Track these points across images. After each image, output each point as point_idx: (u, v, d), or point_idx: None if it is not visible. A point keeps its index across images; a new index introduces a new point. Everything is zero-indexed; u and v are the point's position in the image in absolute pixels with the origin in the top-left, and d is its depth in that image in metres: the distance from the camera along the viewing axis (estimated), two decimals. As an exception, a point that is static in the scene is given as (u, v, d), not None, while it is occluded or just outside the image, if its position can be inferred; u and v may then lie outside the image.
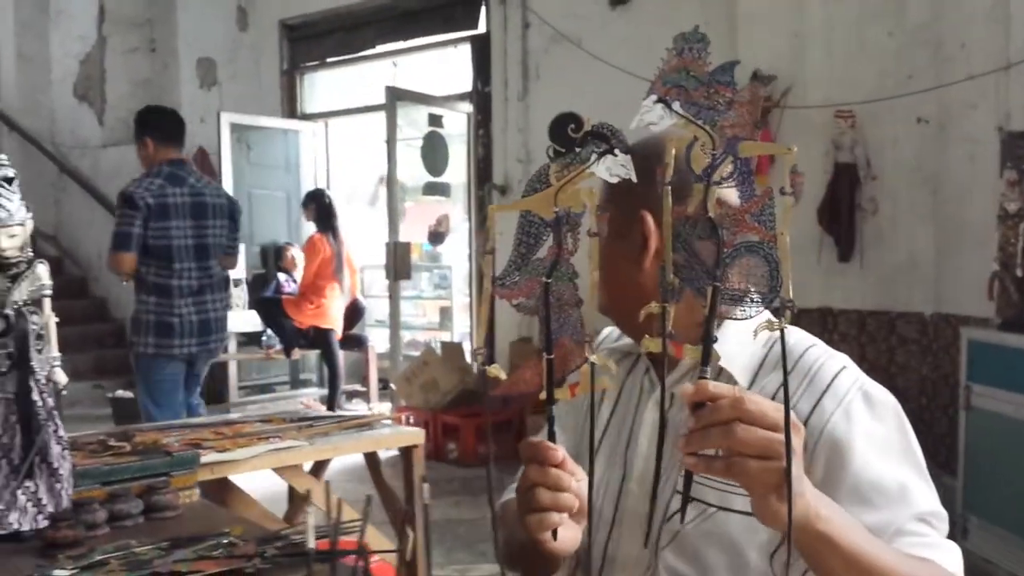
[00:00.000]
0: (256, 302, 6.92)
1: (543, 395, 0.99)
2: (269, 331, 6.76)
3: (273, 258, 7.37)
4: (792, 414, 0.84)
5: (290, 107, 7.80)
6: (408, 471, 2.29)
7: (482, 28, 6.37)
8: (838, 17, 4.33)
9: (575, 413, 1.38)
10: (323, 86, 7.94)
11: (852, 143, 4.23)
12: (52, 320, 1.47)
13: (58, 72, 8.80)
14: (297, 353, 6.77)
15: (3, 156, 1.47)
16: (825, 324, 4.35)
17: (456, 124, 6.64)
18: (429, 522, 0.91)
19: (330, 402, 6.50)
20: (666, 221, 0.93)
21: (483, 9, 6.34)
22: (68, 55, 8.78)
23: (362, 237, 8.27)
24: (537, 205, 0.99)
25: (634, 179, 0.95)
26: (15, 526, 1.43)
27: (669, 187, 0.93)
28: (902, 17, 4.25)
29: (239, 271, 7.26)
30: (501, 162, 6.26)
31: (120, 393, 6.20)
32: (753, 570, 1.07)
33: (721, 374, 1.13)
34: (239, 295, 7.20)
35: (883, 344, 4.34)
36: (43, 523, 1.45)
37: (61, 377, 1.49)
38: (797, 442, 0.84)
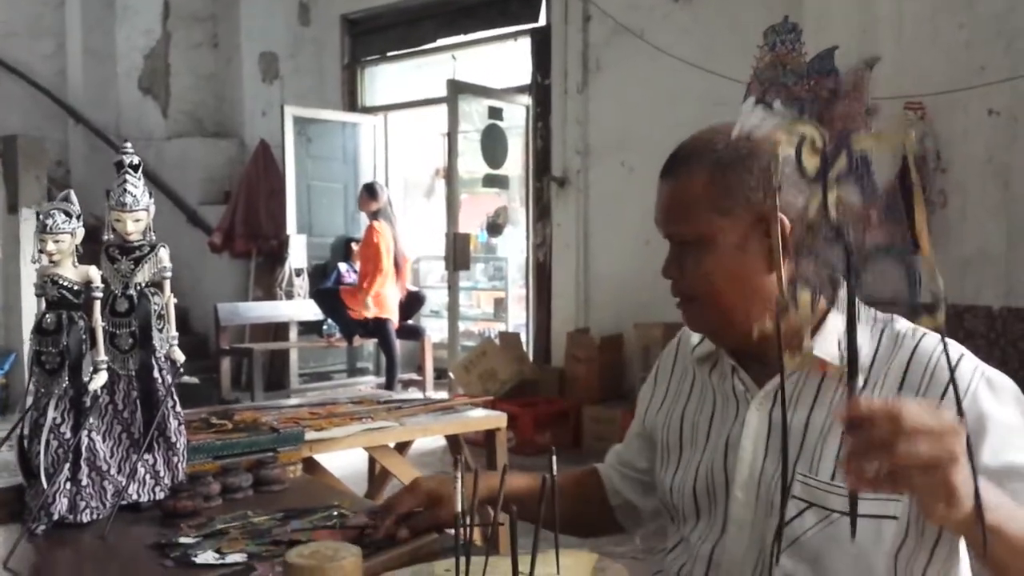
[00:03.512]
0: (315, 293, 7.06)
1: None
2: (330, 320, 6.88)
3: (342, 250, 7.50)
4: (954, 414, 0.83)
5: (350, 100, 7.91)
6: (491, 454, 2.35)
7: (542, 21, 6.41)
8: (908, 9, 4.29)
9: (648, 393, 1.40)
10: (383, 79, 8.04)
11: (921, 135, 4.19)
12: (172, 301, 1.54)
13: (124, 66, 8.99)
14: (358, 341, 6.87)
15: (128, 144, 1.55)
16: (891, 317, 4.33)
17: (515, 116, 6.69)
18: (552, 498, 0.95)
19: (387, 390, 6.60)
20: (774, 230, 0.89)
21: (543, 2, 6.38)
22: (133, 49, 8.97)
23: (419, 228, 8.37)
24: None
25: None
26: (135, 497, 1.50)
27: (777, 192, 0.91)
28: (974, 9, 4.19)
29: (300, 261, 7.41)
30: (560, 154, 6.29)
31: (186, 379, 6.37)
32: (877, 572, 1.06)
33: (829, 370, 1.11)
34: (300, 284, 7.35)
35: (951, 337, 4.29)
36: (160, 494, 1.52)
37: (179, 355, 1.55)
38: (959, 442, 0.82)
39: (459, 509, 0.88)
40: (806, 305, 0.89)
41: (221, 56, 8.88)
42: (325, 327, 7.04)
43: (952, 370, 1.04)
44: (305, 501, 1.53)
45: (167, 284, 1.54)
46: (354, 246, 7.31)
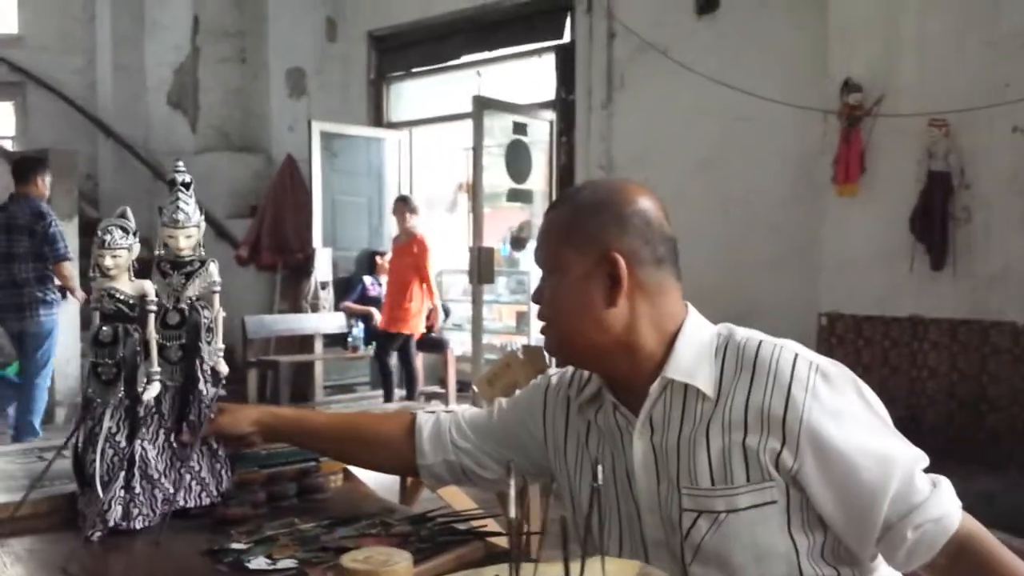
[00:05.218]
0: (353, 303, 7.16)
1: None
2: (355, 331, 6.94)
3: (366, 263, 7.59)
4: None
5: (376, 116, 8.00)
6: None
7: (567, 38, 6.48)
8: (933, 26, 4.31)
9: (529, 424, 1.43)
10: (408, 95, 8.13)
11: (946, 152, 4.20)
12: (220, 314, 1.60)
13: (153, 81, 9.13)
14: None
15: (180, 163, 1.61)
16: (916, 332, 4.33)
17: (539, 131, 6.74)
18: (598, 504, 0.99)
19: (408, 401, 6.64)
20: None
21: (568, 19, 6.45)
22: (162, 64, 9.11)
23: (441, 242, 8.43)
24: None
25: None
26: (183, 504, 1.55)
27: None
28: (998, 25, 4.21)
29: (325, 274, 7.49)
30: (583, 169, 6.35)
31: (213, 390, 6.44)
32: (776, 554, 1.14)
33: (688, 390, 1.19)
34: (326, 297, 7.43)
35: (975, 353, 4.30)
36: (207, 500, 1.56)
37: (223, 367, 1.60)
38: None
39: (512, 515, 0.92)
40: None
41: (249, 71, 9.00)
42: (349, 339, 7.10)
43: (791, 374, 1.15)
44: (348, 509, 1.57)
45: (216, 298, 1.59)
46: (379, 259, 7.38)
